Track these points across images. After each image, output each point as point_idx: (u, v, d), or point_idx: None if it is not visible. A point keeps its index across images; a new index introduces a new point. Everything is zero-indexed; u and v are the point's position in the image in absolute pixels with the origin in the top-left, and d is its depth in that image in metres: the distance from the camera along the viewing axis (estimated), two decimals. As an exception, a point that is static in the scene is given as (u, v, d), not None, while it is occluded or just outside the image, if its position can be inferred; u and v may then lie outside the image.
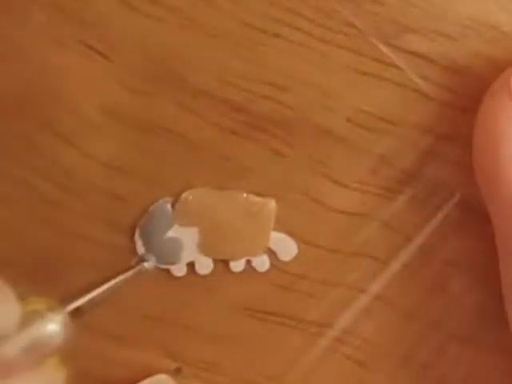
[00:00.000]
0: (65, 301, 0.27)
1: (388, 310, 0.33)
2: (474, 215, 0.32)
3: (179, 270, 0.33)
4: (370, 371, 0.34)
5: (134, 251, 0.33)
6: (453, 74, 0.31)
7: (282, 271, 0.33)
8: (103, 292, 0.29)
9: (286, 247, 0.33)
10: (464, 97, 0.31)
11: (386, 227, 0.32)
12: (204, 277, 0.33)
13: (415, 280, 0.33)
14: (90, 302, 0.28)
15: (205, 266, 0.33)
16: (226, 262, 0.33)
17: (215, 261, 0.33)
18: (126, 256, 0.33)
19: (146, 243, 0.33)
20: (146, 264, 0.33)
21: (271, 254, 0.33)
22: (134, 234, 0.33)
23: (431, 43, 0.30)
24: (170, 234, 0.33)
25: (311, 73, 0.31)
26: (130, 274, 0.31)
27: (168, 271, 0.33)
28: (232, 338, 0.34)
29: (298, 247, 0.33)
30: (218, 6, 0.31)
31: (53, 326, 0.26)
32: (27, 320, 0.25)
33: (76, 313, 0.27)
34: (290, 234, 0.33)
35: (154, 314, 0.34)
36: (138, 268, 0.32)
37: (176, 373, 0.34)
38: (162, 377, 0.34)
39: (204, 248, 0.33)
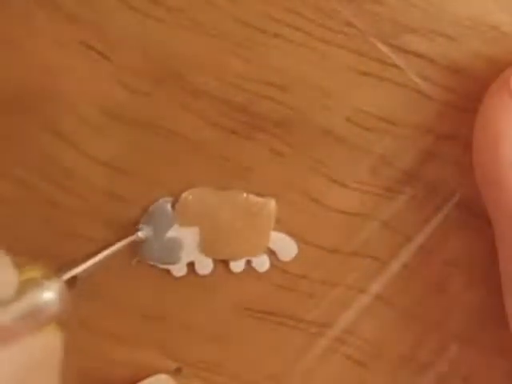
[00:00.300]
0: (61, 269, 0.27)
1: (388, 309, 0.33)
2: (474, 215, 0.32)
3: (179, 269, 0.33)
4: (369, 371, 0.34)
5: (133, 251, 0.33)
6: (453, 74, 0.31)
7: (282, 271, 0.33)
8: (98, 261, 0.29)
9: (286, 247, 0.33)
10: (464, 97, 0.31)
11: (386, 227, 0.32)
12: (204, 277, 0.33)
13: (415, 280, 0.33)
14: (86, 271, 0.28)
15: (205, 265, 0.33)
16: (225, 262, 0.33)
17: (215, 261, 0.33)
18: (126, 256, 0.33)
19: (146, 243, 0.33)
20: (139, 233, 0.32)
21: (271, 254, 0.33)
22: (133, 233, 0.33)
23: (431, 43, 0.30)
24: (170, 234, 0.33)
25: (311, 73, 0.31)
26: (124, 243, 0.31)
27: (168, 271, 0.33)
28: (232, 338, 0.34)
29: (298, 247, 0.33)
30: (218, 6, 0.31)
31: (49, 294, 0.26)
32: (23, 288, 0.25)
33: (72, 281, 0.28)
34: (290, 234, 0.33)
35: (153, 314, 0.34)
36: (132, 237, 0.32)
37: (176, 373, 0.34)
38: (162, 377, 0.34)
39: (204, 248, 0.33)
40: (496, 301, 0.31)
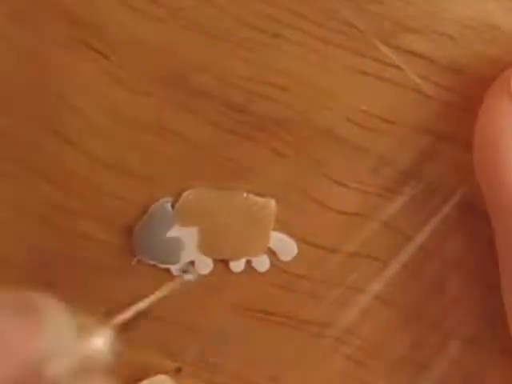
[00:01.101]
0: (110, 315, 0.27)
1: (388, 309, 0.33)
2: (474, 215, 0.32)
3: (179, 269, 0.33)
4: (369, 371, 0.34)
5: (131, 250, 0.33)
6: (453, 74, 0.31)
7: (282, 271, 0.33)
8: (147, 305, 0.29)
9: (286, 247, 0.33)
10: (464, 97, 0.31)
11: (386, 227, 0.32)
12: (204, 277, 0.33)
13: (415, 280, 0.33)
14: (134, 317, 0.28)
15: (205, 266, 0.33)
16: (226, 262, 0.33)
17: (215, 261, 0.33)
18: (126, 256, 0.33)
19: (146, 243, 0.33)
20: (188, 276, 0.33)
21: (271, 254, 0.33)
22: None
23: (431, 43, 0.30)
24: (170, 233, 0.33)
25: (311, 73, 0.31)
26: (172, 285, 0.31)
27: (168, 271, 0.33)
28: (232, 338, 0.34)
29: (298, 247, 0.33)
30: (219, 6, 0.31)
31: (100, 342, 0.26)
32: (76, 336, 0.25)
33: (122, 327, 0.27)
34: (290, 234, 0.33)
35: (153, 314, 0.34)
36: (180, 280, 0.32)
37: (176, 373, 0.34)
38: (162, 377, 0.34)
39: (204, 248, 0.33)
40: (496, 301, 0.31)
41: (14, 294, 0.23)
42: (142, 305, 0.29)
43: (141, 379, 0.34)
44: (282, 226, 0.33)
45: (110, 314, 0.27)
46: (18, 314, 0.23)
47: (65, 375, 0.24)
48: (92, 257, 0.33)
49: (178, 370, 0.34)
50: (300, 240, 0.33)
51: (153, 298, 0.29)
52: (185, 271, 0.33)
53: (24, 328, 0.23)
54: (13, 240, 0.33)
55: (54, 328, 0.24)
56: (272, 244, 0.33)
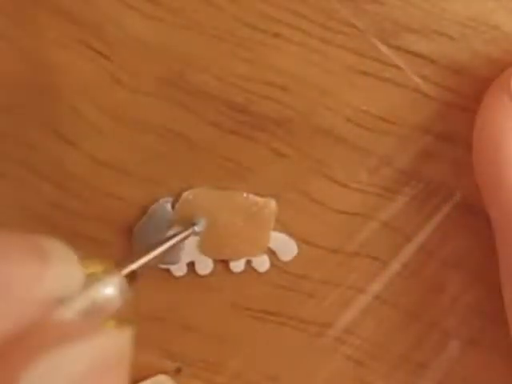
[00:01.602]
0: (120, 264, 0.27)
1: (388, 309, 0.33)
2: (474, 215, 0.32)
3: (179, 269, 0.33)
4: (370, 371, 0.34)
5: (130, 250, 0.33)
6: (453, 74, 0.30)
7: (282, 271, 0.33)
8: (155, 256, 0.29)
9: (286, 247, 0.33)
10: (464, 97, 0.31)
11: (386, 227, 0.32)
12: (204, 277, 0.33)
13: (415, 280, 0.33)
14: (144, 266, 0.28)
15: (205, 266, 0.33)
16: (226, 262, 0.33)
17: (215, 261, 0.33)
18: (123, 255, 0.33)
19: (146, 243, 0.33)
20: (196, 228, 0.32)
21: (271, 254, 0.33)
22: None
23: (431, 43, 0.30)
24: (170, 233, 0.33)
25: (311, 73, 0.31)
26: (181, 237, 0.31)
27: (168, 271, 0.33)
28: (232, 338, 0.34)
29: (298, 247, 0.33)
30: (219, 6, 0.31)
31: (110, 289, 0.26)
32: (85, 283, 0.25)
33: (132, 276, 0.27)
34: (290, 234, 0.33)
35: (153, 314, 0.34)
36: (189, 231, 0.32)
37: (176, 373, 0.34)
38: (162, 378, 0.34)
39: (204, 248, 0.33)
40: (496, 301, 0.31)
41: (19, 235, 0.23)
42: (149, 256, 0.29)
43: (141, 379, 0.34)
44: (282, 225, 0.33)
45: (118, 264, 0.27)
46: (24, 255, 0.23)
47: (73, 319, 0.24)
48: (91, 257, 0.33)
49: (178, 370, 0.34)
50: (300, 240, 0.33)
51: (158, 250, 0.29)
52: (193, 223, 0.32)
53: (29, 270, 0.22)
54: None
55: (62, 271, 0.23)
56: (272, 244, 0.33)
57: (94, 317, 0.25)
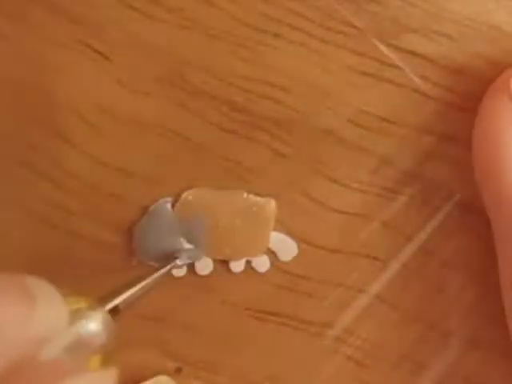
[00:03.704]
0: (103, 299, 0.27)
1: (388, 309, 0.33)
2: (474, 215, 0.32)
3: (179, 270, 0.33)
4: (370, 371, 0.34)
5: (134, 251, 0.33)
6: (453, 74, 0.31)
7: (282, 271, 0.33)
8: (138, 290, 0.29)
9: (286, 247, 0.33)
10: (464, 97, 0.31)
11: (386, 227, 0.32)
12: (204, 277, 0.33)
13: (415, 280, 0.33)
14: (127, 301, 0.28)
15: (205, 266, 0.33)
16: (226, 262, 0.33)
17: (215, 261, 0.33)
18: (126, 256, 0.33)
19: (146, 243, 0.33)
20: (177, 261, 0.32)
21: (271, 254, 0.33)
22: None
23: (431, 43, 0.30)
24: (170, 233, 0.33)
25: (311, 73, 0.31)
26: (163, 271, 0.31)
27: (168, 271, 0.33)
28: (232, 338, 0.34)
29: (298, 247, 0.33)
30: (218, 6, 0.31)
31: (94, 325, 0.26)
32: (70, 319, 0.25)
33: (114, 311, 0.28)
34: (290, 234, 0.33)
35: (153, 314, 0.34)
36: (171, 265, 0.32)
37: (176, 373, 0.34)
38: (163, 378, 0.34)
39: (204, 248, 0.33)
40: (495, 301, 0.31)
41: (7, 276, 0.23)
42: (131, 291, 0.29)
43: (141, 379, 0.34)
44: (282, 225, 0.33)
45: (101, 300, 0.27)
46: (11, 297, 0.23)
47: (59, 356, 0.24)
48: (91, 257, 0.33)
49: (178, 370, 0.34)
50: (300, 240, 0.33)
51: (141, 284, 0.30)
52: (175, 257, 0.33)
53: (16, 312, 0.23)
54: (13, 240, 0.34)
55: (47, 311, 0.24)
56: (272, 244, 0.33)
57: (80, 352, 0.25)
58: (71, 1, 0.31)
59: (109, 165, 0.33)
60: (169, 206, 0.33)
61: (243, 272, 0.33)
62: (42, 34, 0.32)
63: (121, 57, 0.32)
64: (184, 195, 0.32)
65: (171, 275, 0.33)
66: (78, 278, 0.33)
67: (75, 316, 0.25)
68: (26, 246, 0.33)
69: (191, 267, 0.33)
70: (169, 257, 0.33)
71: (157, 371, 0.34)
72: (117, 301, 0.28)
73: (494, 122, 0.28)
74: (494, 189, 0.29)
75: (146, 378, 0.34)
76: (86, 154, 0.32)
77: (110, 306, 0.27)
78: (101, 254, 0.33)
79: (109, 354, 0.26)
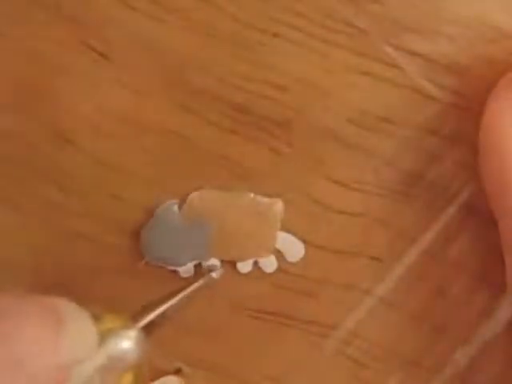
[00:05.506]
0: (136, 317, 0.27)
1: (390, 311, 0.33)
2: (478, 217, 0.32)
3: (186, 271, 0.33)
4: (371, 372, 0.33)
5: (134, 252, 0.33)
6: (453, 74, 0.30)
7: (283, 271, 0.33)
8: (172, 305, 0.29)
9: (293, 248, 0.33)
10: (465, 97, 0.31)
11: (388, 228, 0.32)
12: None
13: (419, 282, 0.33)
14: (161, 316, 0.28)
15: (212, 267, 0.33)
16: (232, 263, 0.33)
17: (223, 262, 0.33)
18: (126, 257, 0.33)
19: (153, 245, 0.33)
20: (213, 274, 0.33)
21: (278, 254, 0.33)
22: (134, 234, 0.33)
23: (432, 43, 0.30)
24: (177, 235, 0.33)
25: (311, 73, 0.31)
26: (197, 285, 0.32)
27: (175, 272, 0.33)
28: (232, 338, 0.34)
29: (300, 248, 0.33)
30: (219, 7, 0.31)
31: (127, 343, 0.26)
32: (102, 339, 0.25)
33: (148, 328, 0.28)
34: (290, 233, 0.33)
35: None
36: (205, 278, 0.32)
37: (176, 373, 0.34)
38: (172, 378, 0.34)
39: (212, 249, 0.33)
40: (499, 302, 0.31)
41: (37, 298, 0.24)
42: (165, 306, 0.29)
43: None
44: (282, 225, 0.33)
45: (134, 317, 0.27)
46: (41, 321, 0.23)
47: (92, 375, 0.24)
48: (92, 257, 0.33)
49: (178, 370, 0.34)
50: (300, 240, 0.33)
51: (174, 300, 0.30)
52: (210, 270, 0.33)
53: (45, 338, 0.23)
54: (13, 240, 0.34)
55: (76, 335, 0.24)
56: (279, 245, 0.33)
57: (112, 372, 0.25)
58: (71, 1, 0.31)
59: (109, 165, 0.33)
60: (175, 207, 0.33)
61: (243, 272, 0.33)
62: (42, 34, 0.32)
63: (121, 57, 0.32)
64: (191, 196, 0.33)
65: (177, 276, 0.33)
66: (79, 279, 0.33)
67: (108, 335, 0.26)
68: (26, 246, 0.34)
69: (198, 268, 0.33)
70: (201, 270, 0.33)
71: (157, 371, 0.34)
72: (150, 317, 0.28)
73: (499, 123, 0.28)
74: (501, 191, 0.28)
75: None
76: (86, 154, 0.33)
77: (143, 323, 0.27)
78: (101, 254, 0.33)
79: (141, 372, 0.26)
